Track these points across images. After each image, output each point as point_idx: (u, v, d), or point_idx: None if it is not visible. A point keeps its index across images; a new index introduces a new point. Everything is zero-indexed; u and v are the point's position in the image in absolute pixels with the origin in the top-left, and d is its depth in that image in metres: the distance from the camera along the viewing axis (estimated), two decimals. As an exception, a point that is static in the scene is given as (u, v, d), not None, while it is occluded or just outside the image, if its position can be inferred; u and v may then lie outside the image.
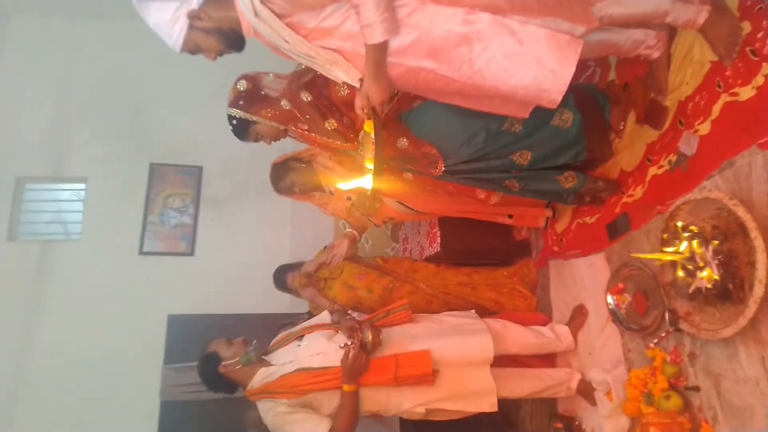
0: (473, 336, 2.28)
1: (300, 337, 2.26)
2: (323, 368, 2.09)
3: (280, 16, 1.63)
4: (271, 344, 2.33)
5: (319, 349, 2.14)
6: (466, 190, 2.43)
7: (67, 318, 3.87)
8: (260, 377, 2.15)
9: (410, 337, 2.25)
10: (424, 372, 2.10)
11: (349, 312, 2.54)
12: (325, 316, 2.43)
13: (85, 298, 3.93)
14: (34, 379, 3.75)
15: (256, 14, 1.61)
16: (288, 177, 2.66)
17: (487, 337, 2.26)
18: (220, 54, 1.80)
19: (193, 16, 1.67)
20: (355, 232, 2.88)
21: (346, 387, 2.06)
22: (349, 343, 2.07)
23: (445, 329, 2.34)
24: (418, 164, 2.28)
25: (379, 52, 1.65)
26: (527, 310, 2.93)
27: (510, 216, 2.63)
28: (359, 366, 2.06)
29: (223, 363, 2.14)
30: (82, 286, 3.96)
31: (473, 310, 2.56)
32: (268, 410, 2.11)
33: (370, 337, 2.09)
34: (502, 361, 2.35)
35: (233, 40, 1.75)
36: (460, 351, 2.21)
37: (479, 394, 2.22)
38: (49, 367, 3.77)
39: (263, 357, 2.23)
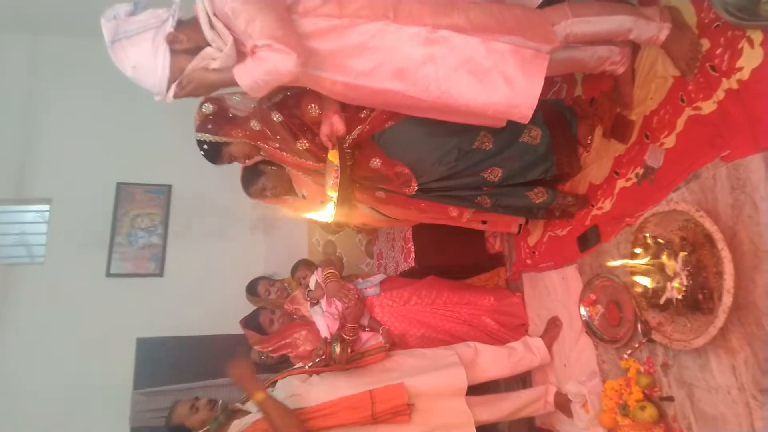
0: (446, 369, 2.28)
1: (273, 383, 2.22)
2: (298, 408, 2.05)
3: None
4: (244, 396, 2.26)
5: (293, 390, 2.11)
6: (439, 208, 2.44)
7: (31, 343, 3.73)
8: (235, 430, 2.07)
9: (384, 372, 2.25)
10: (399, 404, 2.08)
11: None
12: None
13: (51, 323, 3.79)
14: (-3, 409, 3.60)
15: (211, 26, 1.59)
16: (259, 180, 2.62)
17: (459, 369, 2.28)
18: None
19: (172, 39, 1.61)
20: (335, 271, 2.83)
21: (255, 397, 1.99)
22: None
23: (417, 363, 2.33)
24: (392, 184, 2.28)
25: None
26: (495, 286, 3.04)
27: (484, 222, 2.64)
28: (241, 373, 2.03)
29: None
30: (47, 310, 3.82)
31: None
32: None
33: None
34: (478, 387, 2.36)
35: None
36: (433, 384, 2.21)
37: (457, 427, 2.21)
38: (13, 395, 3.62)
39: (238, 406, 2.17)
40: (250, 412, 2.11)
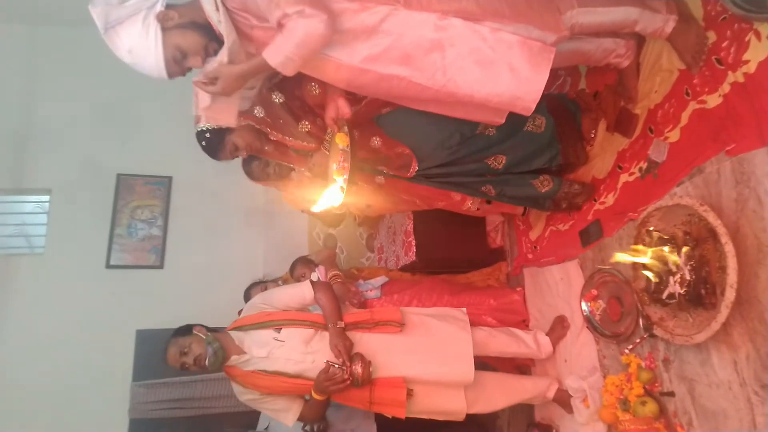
0: (455, 363, 2.24)
1: (278, 329, 2.16)
2: (297, 376, 2.09)
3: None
4: (245, 318, 2.23)
5: (295, 357, 2.10)
6: (441, 194, 2.42)
7: (31, 334, 3.74)
8: (234, 361, 2.13)
9: (389, 351, 2.18)
10: (397, 405, 2.12)
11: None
12: (306, 291, 2.26)
13: (50, 314, 3.80)
14: (-4, 399, 3.60)
15: (217, 8, 1.57)
16: (264, 158, 2.60)
17: (468, 363, 2.24)
18: (206, 54, 1.69)
19: (163, 17, 1.60)
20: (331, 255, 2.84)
21: (316, 395, 2.08)
22: (336, 365, 2.03)
23: (428, 344, 2.26)
24: (391, 165, 2.25)
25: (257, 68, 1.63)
26: (498, 284, 3.02)
27: (488, 201, 2.59)
28: (335, 390, 2.05)
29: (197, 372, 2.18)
30: (46, 301, 3.83)
31: (464, 309, 2.50)
32: (241, 393, 2.19)
33: (361, 371, 2.03)
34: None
35: (213, 31, 1.66)
36: (439, 375, 2.20)
37: (450, 413, 2.26)
38: (12, 386, 3.62)
39: (232, 333, 2.18)
40: (246, 354, 2.12)
